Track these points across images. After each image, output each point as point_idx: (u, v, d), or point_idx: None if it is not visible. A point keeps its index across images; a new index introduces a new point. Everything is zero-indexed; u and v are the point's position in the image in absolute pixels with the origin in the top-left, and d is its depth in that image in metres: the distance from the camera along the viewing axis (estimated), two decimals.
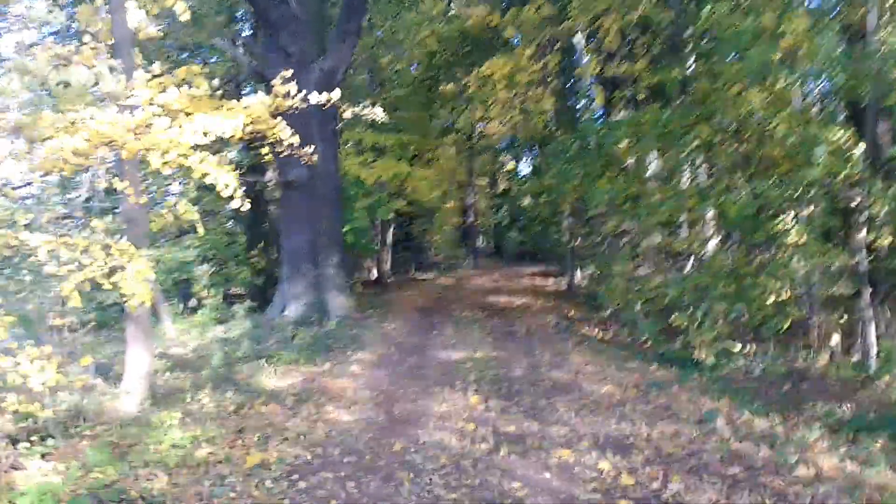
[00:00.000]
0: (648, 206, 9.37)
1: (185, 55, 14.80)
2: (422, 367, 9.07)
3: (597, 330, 12.14)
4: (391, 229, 25.46)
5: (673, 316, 10.01)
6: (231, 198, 5.83)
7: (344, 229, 14.72)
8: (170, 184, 13.93)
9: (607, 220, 11.84)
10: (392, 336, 11.66)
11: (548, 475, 5.16)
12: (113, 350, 9.40)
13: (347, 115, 15.83)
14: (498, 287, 21.33)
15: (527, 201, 41.32)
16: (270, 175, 15.72)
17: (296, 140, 6.84)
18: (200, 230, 6.84)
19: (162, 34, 9.89)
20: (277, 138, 6.67)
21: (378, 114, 17.12)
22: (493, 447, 5.72)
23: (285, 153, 6.84)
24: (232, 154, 14.70)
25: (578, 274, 20.02)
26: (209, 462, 5.40)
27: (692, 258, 11.36)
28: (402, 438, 6.01)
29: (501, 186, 44.34)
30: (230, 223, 16.68)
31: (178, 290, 13.72)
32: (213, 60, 15.87)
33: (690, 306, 9.72)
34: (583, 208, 17.15)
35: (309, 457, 5.60)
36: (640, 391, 7.55)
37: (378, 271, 23.77)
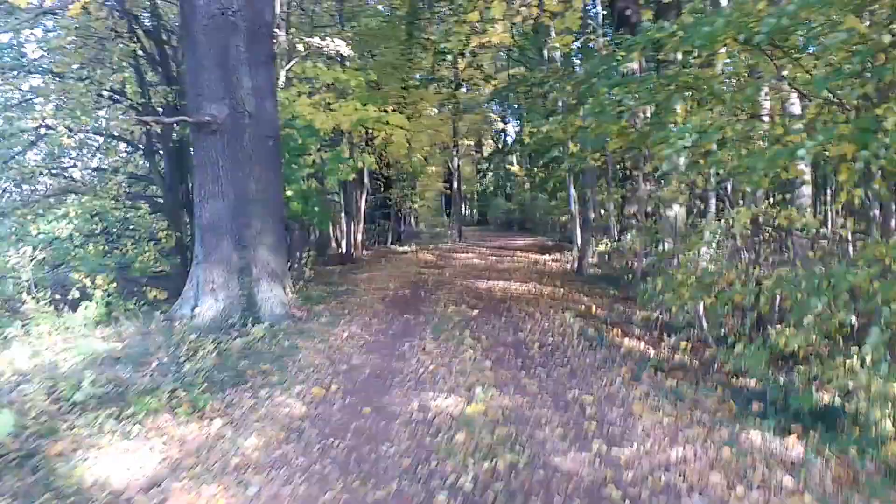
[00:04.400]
0: (774, 153, 5.16)
1: None
2: (374, 441, 4.88)
3: (644, 343, 8.04)
4: (364, 195, 21.19)
5: (785, 335, 5.91)
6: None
7: (287, 192, 10.43)
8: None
9: (666, 179, 7.71)
10: (341, 355, 7.47)
11: None
12: None
13: (301, 48, 11.16)
14: (489, 265, 17.17)
15: (514, 167, 37.16)
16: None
17: None
18: None
19: None
20: None
21: (340, 46, 12.74)
22: None
23: None
24: None
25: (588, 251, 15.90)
26: None
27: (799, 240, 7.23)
28: None
29: (487, 150, 40.05)
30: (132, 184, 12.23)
31: (51, 279, 9.43)
32: None
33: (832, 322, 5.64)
34: (612, 162, 12.98)
35: None
36: None
37: (347, 244, 19.52)
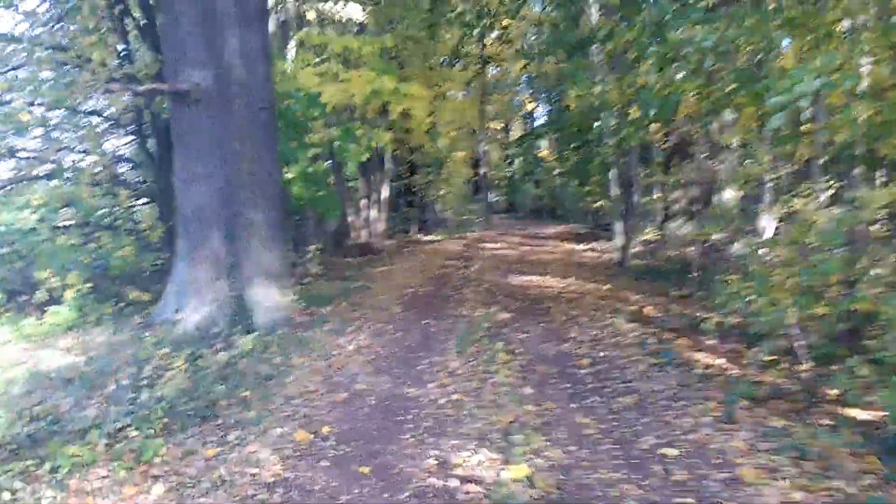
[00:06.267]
0: None
1: None
2: None
3: (720, 358, 6.34)
4: (387, 181, 19.63)
5: None
6: None
7: (287, 175, 8.87)
8: None
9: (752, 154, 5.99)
10: (343, 376, 5.89)
11: None
12: None
13: (311, 16, 9.47)
14: (521, 256, 15.49)
15: (544, 152, 35.26)
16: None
17: None
18: None
19: None
20: None
21: (354, 12, 11.15)
22: None
23: None
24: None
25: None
26: None
27: None
28: None
29: (515, 134, 38.13)
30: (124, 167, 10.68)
31: (12, 278, 7.99)
32: None
33: None
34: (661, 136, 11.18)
35: None
36: None
37: (368, 234, 17.99)
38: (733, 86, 5.09)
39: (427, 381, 5.69)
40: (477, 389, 5.38)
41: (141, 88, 7.61)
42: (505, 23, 19.27)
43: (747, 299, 6.15)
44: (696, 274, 10.09)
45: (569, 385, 5.60)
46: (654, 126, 7.96)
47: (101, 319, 7.88)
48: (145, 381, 5.69)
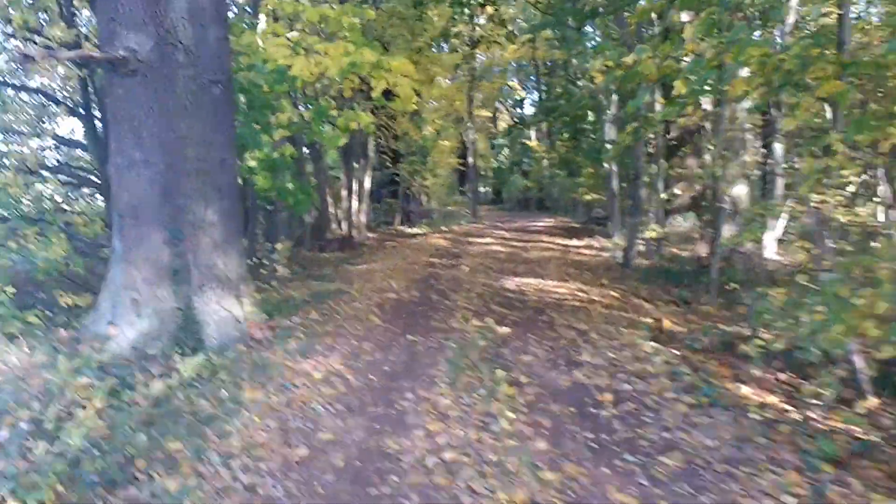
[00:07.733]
0: None
1: None
2: None
3: (770, 393, 5.11)
4: (369, 170, 18.27)
5: None
6: None
7: (249, 163, 7.50)
8: None
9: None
10: (304, 419, 4.57)
11: None
12: None
13: None
14: (513, 254, 14.20)
15: (533, 142, 33.99)
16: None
17: None
18: None
19: None
20: None
21: None
22: None
23: None
24: None
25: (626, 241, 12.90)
26: None
27: None
28: None
29: (502, 124, 36.82)
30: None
31: None
32: None
33: None
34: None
35: None
36: None
37: (349, 226, 16.64)
38: (816, 52, 3.82)
39: (411, 427, 4.40)
40: (475, 443, 4.10)
41: (64, 54, 6.18)
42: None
43: (809, 320, 4.93)
44: (738, 288, 8.70)
45: (592, 435, 4.34)
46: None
47: (27, 331, 6.49)
48: (52, 423, 4.37)
